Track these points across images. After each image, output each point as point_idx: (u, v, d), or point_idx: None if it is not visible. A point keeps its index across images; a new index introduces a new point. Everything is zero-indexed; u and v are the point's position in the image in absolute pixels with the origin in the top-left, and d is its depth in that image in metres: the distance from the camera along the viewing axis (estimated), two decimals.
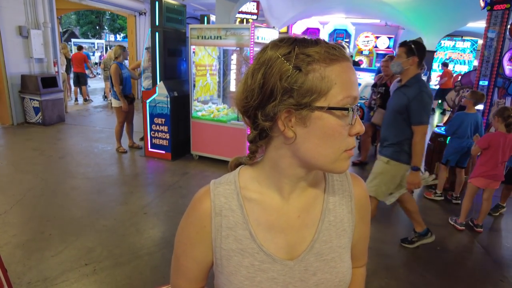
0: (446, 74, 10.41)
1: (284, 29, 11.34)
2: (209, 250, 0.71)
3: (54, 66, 7.16)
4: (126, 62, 5.30)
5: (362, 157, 5.29)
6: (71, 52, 10.15)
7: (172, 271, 0.78)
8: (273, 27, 5.07)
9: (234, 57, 5.37)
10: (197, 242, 0.71)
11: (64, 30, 25.09)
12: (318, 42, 0.60)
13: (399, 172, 2.62)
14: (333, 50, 0.59)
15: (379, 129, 4.67)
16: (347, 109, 0.58)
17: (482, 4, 4.72)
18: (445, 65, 10.66)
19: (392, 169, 2.59)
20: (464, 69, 11.72)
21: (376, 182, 2.65)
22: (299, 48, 0.59)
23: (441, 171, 3.97)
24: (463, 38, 12.36)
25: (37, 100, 6.49)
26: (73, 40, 22.13)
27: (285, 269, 0.68)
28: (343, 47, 0.62)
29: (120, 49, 5.04)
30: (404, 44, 2.54)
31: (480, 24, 10.20)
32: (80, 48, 9.93)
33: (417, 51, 2.47)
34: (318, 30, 13.32)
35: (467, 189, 3.36)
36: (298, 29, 13.20)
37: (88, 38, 26.18)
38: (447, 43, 12.27)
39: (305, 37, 0.62)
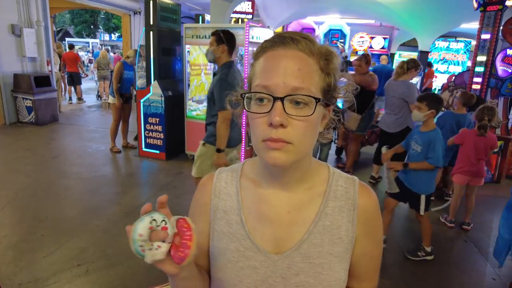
0: (430, 74, 10.41)
1: (279, 29, 11.33)
2: (207, 227, 0.75)
3: (48, 65, 7.09)
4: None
5: (347, 165, 4.71)
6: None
7: None
8: (268, 27, 5.06)
9: None
10: (199, 218, 0.75)
11: (58, 29, 24.88)
12: (273, 37, 0.63)
13: (213, 153, 2.77)
14: (267, 42, 0.62)
15: (353, 132, 4.49)
16: (242, 97, 0.62)
17: (475, 5, 4.76)
18: (429, 65, 10.68)
19: (208, 150, 2.73)
20: (458, 69, 11.81)
21: (198, 164, 2.79)
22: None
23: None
24: (457, 39, 12.46)
25: (30, 100, 6.42)
26: (67, 39, 21.98)
27: (267, 261, 0.67)
28: (289, 37, 0.60)
29: (135, 52, 5.12)
30: (214, 33, 2.65)
31: (473, 25, 10.29)
32: (71, 47, 9.83)
33: (226, 39, 2.59)
34: (313, 30, 13.34)
35: (454, 187, 3.42)
36: (293, 29, 13.22)
37: (82, 37, 26.00)
38: (441, 43, 12.34)
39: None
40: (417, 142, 2.65)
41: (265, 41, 0.62)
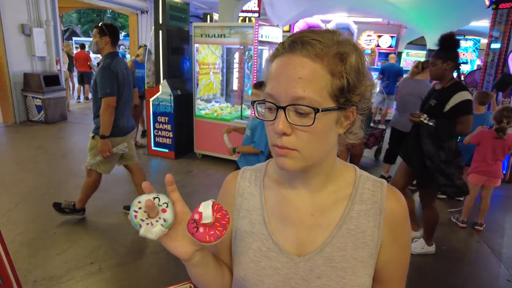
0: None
1: (286, 28, 11.30)
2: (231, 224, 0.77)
3: (57, 64, 7.15)
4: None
5: None
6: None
7: None
8: (277, 26, 5.04)
9: (237, 55, 5.35)
10: None
11: (65, 28, 25.07)
12: (286, 40, 0.61)
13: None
14: (281, 45, 0.60)
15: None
16: (252, 104, 0.65)
17: (487, 2, 4.70)
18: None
19: (98, 143, 2.80)
20: (466, 68, 11.69)
21: (90, 157, 2.90)
22: None
23: None
24: (466, 37, 12.32)
25: (39, 99, 6.48)
26: (74, 38, 22.13)
27: (289, 263, 0.67)
28: (298, 41, 0.57)
29: (144, 50, 5.12)
30: (96, 26, 2.80)
31: (483, 23, 10.17)
32: (82, 46, 9.88)
33: (108, 32, 2.76)
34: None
35: (469, 187, 3.36)
36: (300, 28, 13.17)
37: (89, 36, 26.16)
38: None
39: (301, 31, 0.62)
40: (248, 127, 2.81)
41: (280, 44, 0.61)
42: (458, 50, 2.53)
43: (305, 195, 0.69)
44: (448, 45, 2.45)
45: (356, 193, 0.69)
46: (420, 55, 13.57)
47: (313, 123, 0.56)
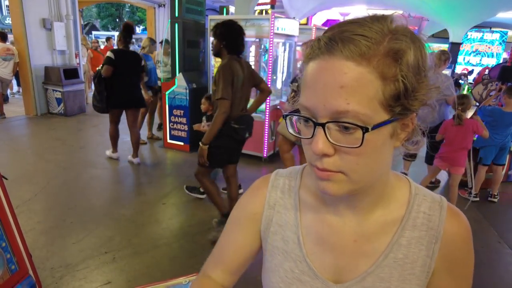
0: None
1: (303, 21, 11.14)
2: (253, 238, 0.69)
3: (76, 58, 7.30)
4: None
5: None
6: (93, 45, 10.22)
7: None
8: (293, 18, 4.96)
9: (252, 49, 5.31)
10: (244, 226, 0.69)
11: (86, 23, 25.59)
12: (322, 36, 0.49)
13: None
14: (316, 43, 0.48)
15: None
16: (284, 118, 0.52)
17: None
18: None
19: None
20: (492, 62, 11.24)
21: None
22: None
23: (479, 171, 3.78)
24: (492, 29, 11.83)
25: (59, 91, 6.64)
26: (94, 32, 22.56)
27: None
28: (338, 39, 0.45)
29: (149, 41, 5.11)
30: None
31: (510, 15, 9.72)
32: (107, 39, 9.95)
33: None
34: (338, 21, 13.04)
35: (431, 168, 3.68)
36: (318, 21, 12.96)
37: (108, 30, 26.62)
38: (474, 34, 11.77)
39: (341, 22, 0.49)
40: None
41: (315, 41, 0.49)
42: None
43: (349, 217, 0.60)
44: None
45: (409, 217, 0.58)
46: (442, 49, 13.15)
47: (361, 144, 0.45)
